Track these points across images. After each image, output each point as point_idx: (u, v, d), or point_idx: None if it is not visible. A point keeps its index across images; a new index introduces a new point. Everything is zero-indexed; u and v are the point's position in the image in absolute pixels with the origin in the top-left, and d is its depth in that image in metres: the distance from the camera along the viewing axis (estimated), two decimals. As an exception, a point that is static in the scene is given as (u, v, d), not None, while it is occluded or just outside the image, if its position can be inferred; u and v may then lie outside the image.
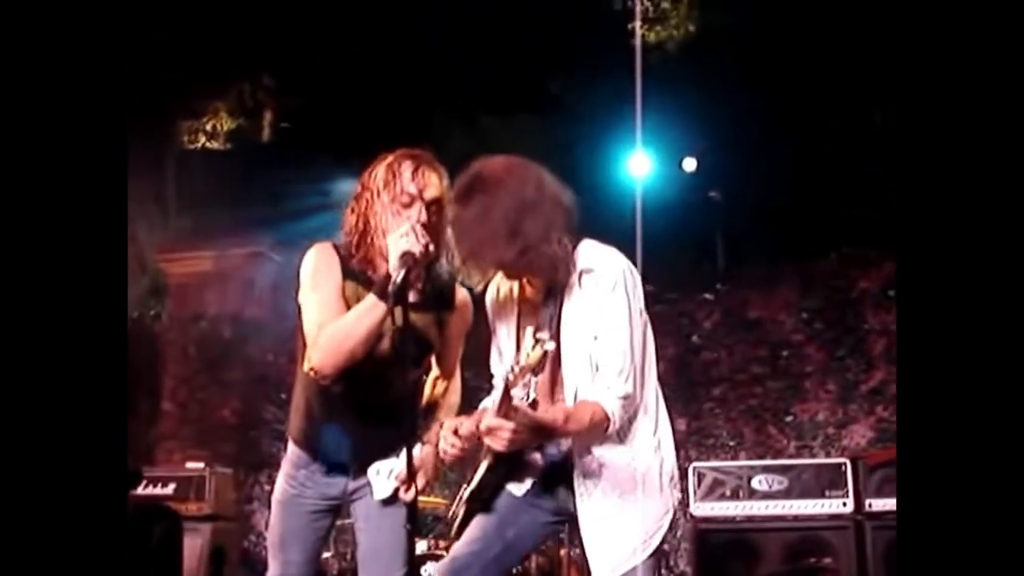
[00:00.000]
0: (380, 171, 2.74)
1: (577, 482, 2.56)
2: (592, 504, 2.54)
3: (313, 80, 9.57)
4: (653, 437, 2.58)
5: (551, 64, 9.10)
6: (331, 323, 2.68)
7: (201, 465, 6.22)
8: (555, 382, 2.60)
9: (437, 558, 5.23)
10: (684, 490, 5.48)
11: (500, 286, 2.73)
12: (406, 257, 2.55)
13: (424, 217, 2.67)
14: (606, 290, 2.49)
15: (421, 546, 5.61)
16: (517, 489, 2.68)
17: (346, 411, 2.81)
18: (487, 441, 2.42)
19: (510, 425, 2.35)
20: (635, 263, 2.60)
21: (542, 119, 8.93)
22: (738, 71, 8.35)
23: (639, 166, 7.43)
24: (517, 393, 2.47)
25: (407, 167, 2.71)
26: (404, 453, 2.63)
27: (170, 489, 5.95)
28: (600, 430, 2.49)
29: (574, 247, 2.56)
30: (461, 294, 2.90)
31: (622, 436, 2.54)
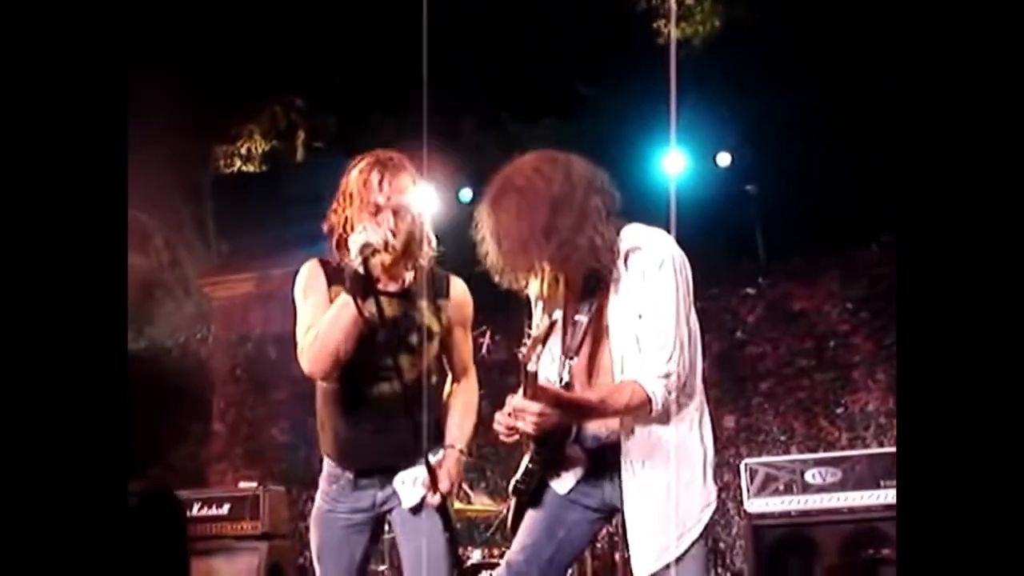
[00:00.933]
0: (353, 176, 2.86)
1: (624, 466, 2.53)
2: (638, 490, 2.52)
3: (342, 96, 9.67)
4: (699, 428, 2.56)
5: (579, 66, 9.11)
6: (314, 327, 2.76)
7: (254, 484, 6.24)
8: (593, 366, 2.59)
9: (492, 566, 5.24)
10: (738, 487, 5.46)
11: (545, 279, 2.71)
12: (365, 248, 2.64)
13: (392, 224, 2.76)
14: (652, 267, 2.48)
15: (475, 555, 5.63)
16: (561, 487, 2.66)
17: (360, 413, 2.86)
18: (518, 424, 2.42)
19: (536, 407, 2.35)
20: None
21: (572, 122, 8.93)
22: (767, 64, 8.29)
23: (673, 164, 7.39)
24: (551, 376, 2.49)
25: (375, 176, 2.80)
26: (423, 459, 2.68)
27: (224, 509, 5.96)
28: (641, 411, 2.46)
29: (618, 231, 2.55)
30: (457, 286, 2.99)
31: (666, 420, 2.50)
